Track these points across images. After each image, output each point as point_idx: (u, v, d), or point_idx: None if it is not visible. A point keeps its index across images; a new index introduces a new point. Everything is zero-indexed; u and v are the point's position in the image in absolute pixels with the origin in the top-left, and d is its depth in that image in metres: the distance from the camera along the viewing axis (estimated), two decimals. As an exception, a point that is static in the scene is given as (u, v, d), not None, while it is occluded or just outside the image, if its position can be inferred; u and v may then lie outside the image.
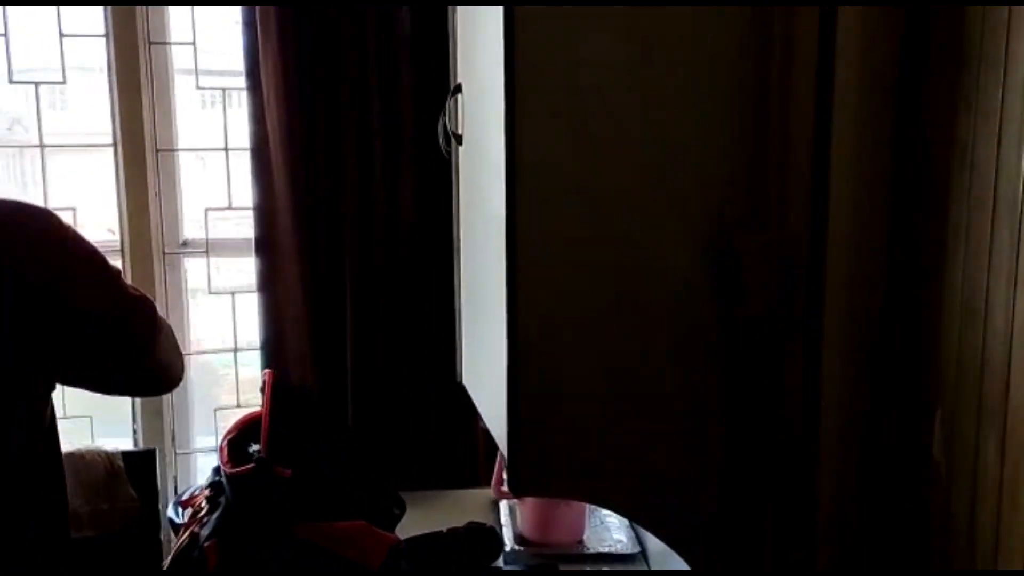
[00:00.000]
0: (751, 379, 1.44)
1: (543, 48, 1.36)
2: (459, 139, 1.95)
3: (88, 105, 2.56)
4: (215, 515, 1.70)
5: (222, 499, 1.72)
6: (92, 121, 2.51)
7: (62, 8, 2.37)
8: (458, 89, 1.94)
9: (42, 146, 2.42)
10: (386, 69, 2.36)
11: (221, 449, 1.78)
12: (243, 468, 1.69)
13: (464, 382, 2.04)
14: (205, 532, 1.68)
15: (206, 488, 1.78)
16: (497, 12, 1.37)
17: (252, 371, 2.61)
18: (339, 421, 2.24)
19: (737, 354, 1.43)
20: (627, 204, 1.40)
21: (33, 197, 2.47)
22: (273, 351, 2.46)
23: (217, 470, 1.81)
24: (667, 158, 1.40)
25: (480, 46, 1.67)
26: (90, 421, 2.53)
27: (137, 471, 2.27)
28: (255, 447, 1.77)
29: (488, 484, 2.49)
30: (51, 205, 2.42)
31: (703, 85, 1.39)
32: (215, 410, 2.63)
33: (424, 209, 2.39)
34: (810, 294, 1.36)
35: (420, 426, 2.47)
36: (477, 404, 1.90)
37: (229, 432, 1.83)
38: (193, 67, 2.51)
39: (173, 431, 2.59)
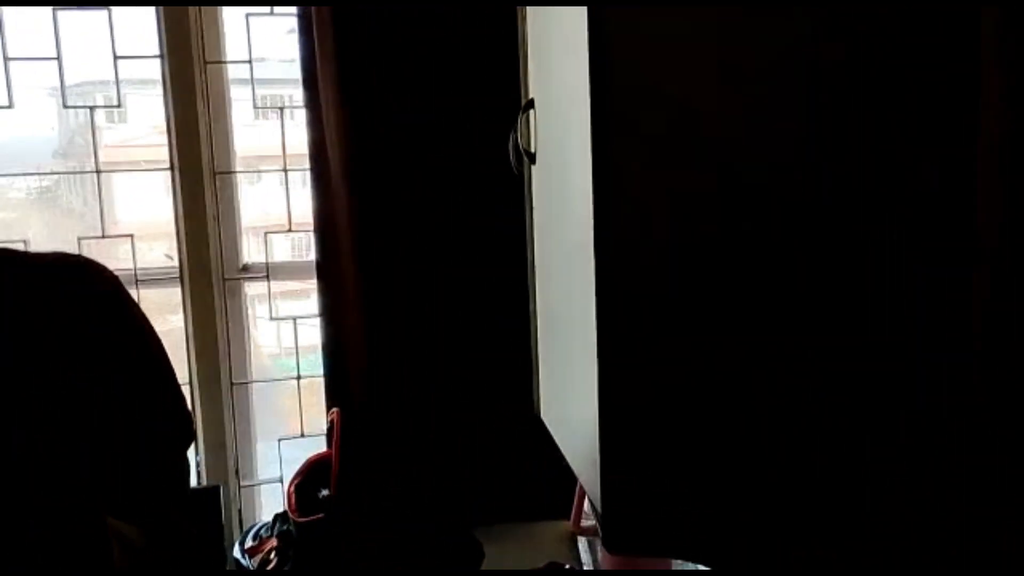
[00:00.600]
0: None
1: (632, 56, 1.22)
2: (532, 158, 1.82)
3: (145, 121, 2.48)
4: (285, 568, 1.59)
5: (291, 551, 1.61)
6: (148, 136, 2.43)
7: (116, 30, 2.29)
8: (530, 104, 1.81)
9: (97, 172, 2.34)
10: (451, 78, 2.24)
11: (288, 495, 1.68)
12: (312, 517, 1.59)
13: (543, 416, 1.91)
14: (275, 588, 1.58)
15: (274, 537, 1.68)
16: (579, 14, 1.23)
17: (316, 396, 2.51)
18: (411, 460, 2.13)
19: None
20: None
21: (90, 223, 2.40)
22: (337, 380, 2.36)
23: (284, 516, 1.71)
24: (776, 178, 1.25)
25: (558, 55, 1.53)
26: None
27: (202, 507, 2.17)
28: (324, 492, 1.67)
29: (566, 515, 2.36)
30: (109, 232, 2.36)
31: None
32: (279, 440, 2.54)
33: (494, 229, 2.26)
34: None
35: (494, 457, 2.34)
36: (559, 442, 1.77)
37: (296, 476, 1.73)
38: (250, 83, 2.42)
39: (237, 463, 2.50)
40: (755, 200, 1.21)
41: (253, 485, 2.55)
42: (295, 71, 2.28)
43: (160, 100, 2.34)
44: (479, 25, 2.22)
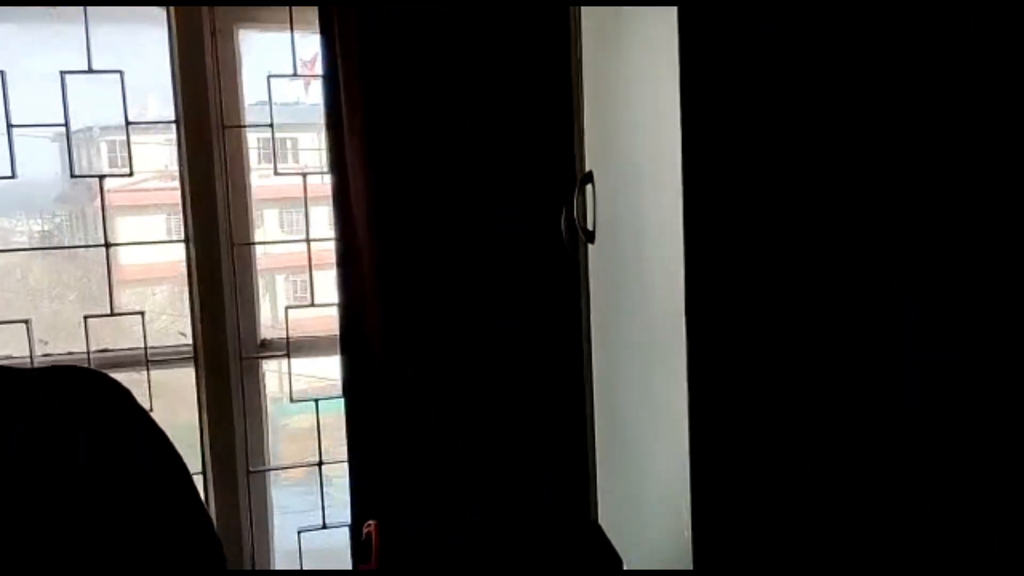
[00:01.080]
0: None
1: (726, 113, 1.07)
2: (590, 236, 1.65)
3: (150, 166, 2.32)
4: None
5: None
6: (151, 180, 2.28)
7: (129, 95, 2.14)
8: (588, 178, 1.65)
9: (107, 245, 2.17)
10: (489, 143, 2.08)
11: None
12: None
13: (601, 522, 1.72)
14: None
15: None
16: (664, 86, 1.07)
17: (340, 488, 2.32)
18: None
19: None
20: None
21: (98, 302, 2.23)
22: (364, 472, 2.17)
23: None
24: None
25: (639, 124, 1.37)
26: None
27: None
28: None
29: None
30: (118, 309, 2.18)
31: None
32: (299, 532, 2.34)
33: (539, 312, 2.09)
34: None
35: (545, 566, 2.14)
36: (623, 553, 1.58)
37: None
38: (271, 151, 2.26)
39: (252, 556, 2.30)
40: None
41: (269, 581, 2.35)
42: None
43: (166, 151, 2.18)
44: (518, 83, 2.07)
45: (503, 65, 2.05)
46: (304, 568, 2.31)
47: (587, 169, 1.66)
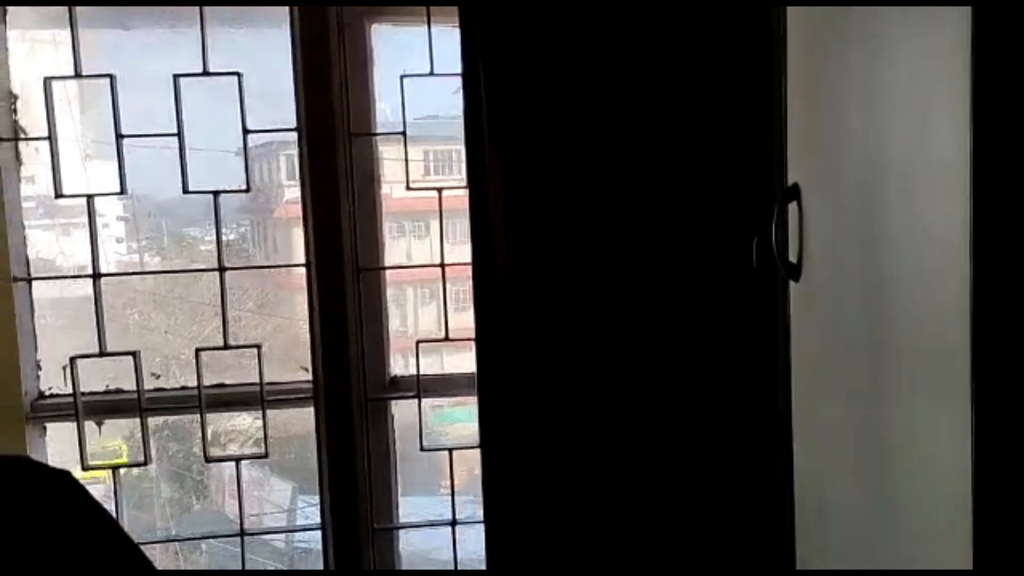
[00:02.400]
0: None
1: None
2: (793, 272, 1.25)
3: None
4: None
5: None
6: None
7: (247, 102, 1.90)
8: (792, 194, 1.25)
9: (221, 269, 1.93)
10: (658, 157, 1.72)
11: None
12: None
13: None
14: None
15: None
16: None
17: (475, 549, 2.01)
18: None
19: None
20: None
21: (208, 335, 2.01)
22: (502, 533, 1.84)
23: None
24: None
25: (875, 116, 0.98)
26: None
27: None
28: None
29: None
30: (232, 341, 1.94)
31: None
32: (429, 594, 2.04)
33: (719, 362, 1.70)
34: None
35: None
36: None
37: None
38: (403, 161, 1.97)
39: (377, 626, 2.01)
40: None
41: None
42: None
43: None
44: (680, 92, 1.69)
45: (674, 67, 1.68)
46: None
47: (791, 182, 1.27)
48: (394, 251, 2.06)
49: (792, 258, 1.26)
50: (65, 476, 0.89)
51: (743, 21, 1.53)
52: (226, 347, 1.94)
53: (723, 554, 1.71)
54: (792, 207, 1.26)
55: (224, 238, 1.96)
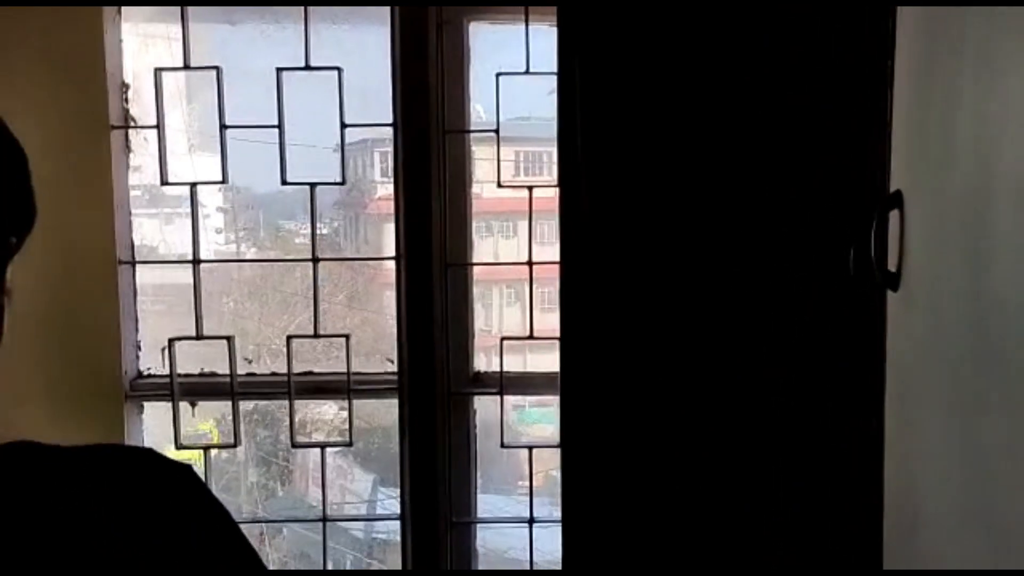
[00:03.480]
0: None
1: None
2: (892, 281, 1.22)
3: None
4: None
5: None
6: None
7: (345, 98, 1.94)
8: (894, 201, 1.22)
9: (315, 260, 1.98)
10: (754, 157, 1.69)
11: None
12: None
13: None
14: None
15: None
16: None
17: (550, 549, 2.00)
18: None
19: None
20: None
21: (299, 325, 2.05)
22: (579, 533, 1.83)
23: None
24: None
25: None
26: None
27: None
28: None
29: None
30: (321, 330, 1.98)
31: None
32: (504, 595, 2.05)
33: (810, 373, 1.66)
34: None
35: None
36: None
37: None
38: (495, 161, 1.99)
39: (451, 620, 2.02)
40: None
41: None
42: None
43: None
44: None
45: (778, 66, 1.64)
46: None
47: (893, 188, 1.23)
48: (482, 250, 2.07)
49: (891, 267, 1.23)
50: (187, 470, 0.91)
51: (854, 20, 1.49)
52: (316, 335, 1.98)
53: (807, 565, 1.67)
54: (893, 215, 1.23)
55: (318, 231, 2.01)
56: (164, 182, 1.93)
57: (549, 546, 2.03)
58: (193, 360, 2.03)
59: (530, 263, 1.98)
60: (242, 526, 0.98)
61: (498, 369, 2.02)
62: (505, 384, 2.01)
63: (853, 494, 1.50)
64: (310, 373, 2.05)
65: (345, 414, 2.03)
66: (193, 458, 1.99)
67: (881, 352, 1.30)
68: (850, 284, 1.34)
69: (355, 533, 2.42)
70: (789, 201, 1.58)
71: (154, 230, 2.17)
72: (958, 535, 1.04)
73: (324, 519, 2.02)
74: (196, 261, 1.95)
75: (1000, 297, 0.95)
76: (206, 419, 2.17)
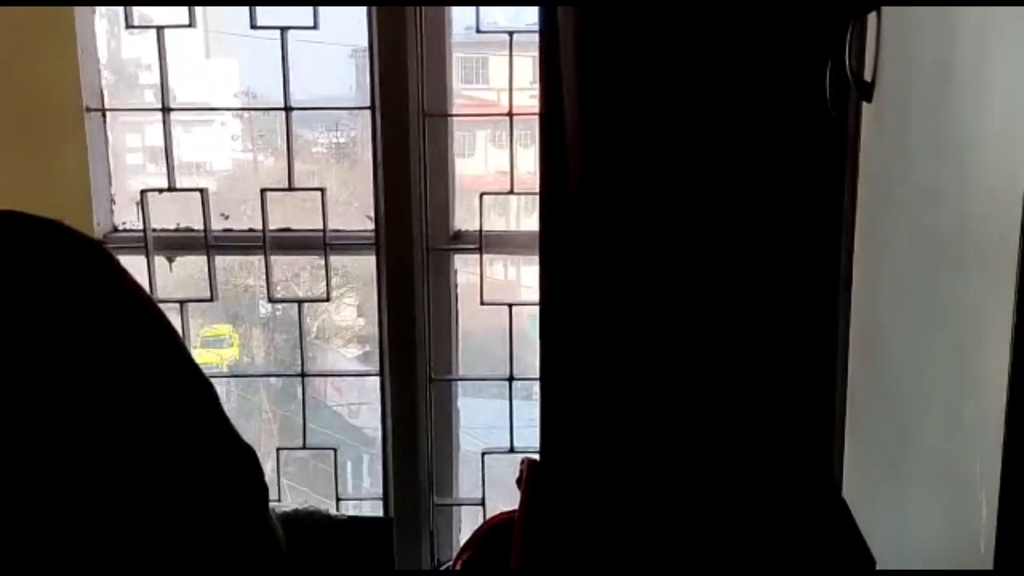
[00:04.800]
0: None
1: None
2: (866, 91, 1.14)
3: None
4: None
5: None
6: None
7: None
8: (871, 5, 1.13)
9: (287, 108, 1.92)
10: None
11: (452, 578, 1.15)
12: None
13: (847, 498, 1.25)
14: None
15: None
16: None
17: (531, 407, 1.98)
18: (634, 538, 1.51)
19: None
20: None
21: (275, 175, 2.01)
22: (555, 389, 1.80)
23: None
24: None
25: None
26: (334, 456, 2.05)
27: (372, 538, 1.71)
28: (503, 581, 1.12)
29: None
30: (298, 183, 1.94)
31: None
32: (483, 453, 2.04)
33: (777, 215, 1.59)
34: None
35: (757, 537, 1.69)
36: (869, 538, 1.11)
37: (467, 547, 1.20)
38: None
39: (432, 477, 2.02)
40: None
41: (450, 505, 2.07)
42: None
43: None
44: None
45: None
46: (486, 496, 2.00)
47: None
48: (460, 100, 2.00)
49: (867, 77, 1.15)
50: (98, 246, 0.87)
51: None
52: (291, 188, 1.94)
53: (766, 425, 1.63)
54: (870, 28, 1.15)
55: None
56: (129, 25, 1.87)
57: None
58: (169, 217, 2.01)
59: (511, 113, 1.91)
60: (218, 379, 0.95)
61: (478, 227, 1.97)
62: (485, 242, 1.97)
63: (814, 337, 1.44)
64: (288, 229, 2.01)
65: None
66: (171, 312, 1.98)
67: (852, 173, 1.23)
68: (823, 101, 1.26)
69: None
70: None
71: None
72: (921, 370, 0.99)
73: (303, 374, 2.02)
74: (165, 109, 1.90)
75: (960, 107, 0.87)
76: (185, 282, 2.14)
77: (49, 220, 0.84)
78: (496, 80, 1.97)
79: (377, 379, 1.99)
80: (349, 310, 2.56)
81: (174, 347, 0.84)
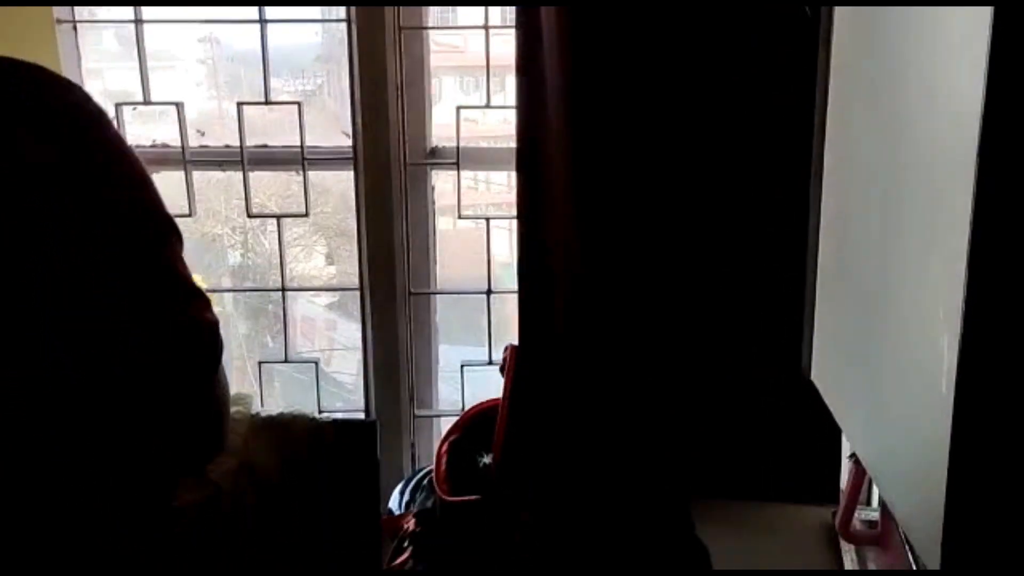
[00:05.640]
0: None
1: None
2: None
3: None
4: (420, 568, 1.11)
5: (431, 542, 1.13)
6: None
7: None
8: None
9: (262, 21, 1.91)
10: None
11: (438, 458, 1.19)
12: (465, 498, 1.09)
13: (815, 379, 1.30)
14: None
15: (412, 517, 1.20)
16: None
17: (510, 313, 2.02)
18: (612, 421, 1.56)
19: None
20: None
21: (253, 89, 2.00)
22: (533, 302, 1.83)
23: (425, 485, 1.23)
24: None
25: None
26: (315, 368, 2.08)
27: (356, 443, 1.75)
28: (487, 459, 1.17)
29: (822, 499, 1.76)
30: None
31: None
32: (462, 365, 2.08)
33: (749, 120, 1.63)
34: None
35: (729, 416, 1.76)
36: (842, 421, 1.17)
37: (451, 431, 1.24)
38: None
39: (412, 388, 2.06)
40: None
41: (430, 416, 2.12)
42: None
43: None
44: None
45: None
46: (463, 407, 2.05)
47: None
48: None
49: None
50: (74, 85, 0.88)
51: None
52: (267, 103, 1.94)
53: (737, 309, 1.68)
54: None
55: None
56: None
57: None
58: (145, 134, 2.00)
59: (486, 27, 1.92)
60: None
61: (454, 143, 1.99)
62: (462, 157, 1.98)
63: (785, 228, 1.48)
64: (264, 146, 2.02)
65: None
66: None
67: (824, 70, 1.26)
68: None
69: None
70: None
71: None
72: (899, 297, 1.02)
73: (283, 288, 2.04)
74: (138, 21, 1.88)
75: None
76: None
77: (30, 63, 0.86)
78: None
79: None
80: (319, 258, 2.57)
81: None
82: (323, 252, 2.54)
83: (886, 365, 0.97)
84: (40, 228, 0.77)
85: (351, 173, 1.96)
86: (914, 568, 0.93)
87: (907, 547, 1.32)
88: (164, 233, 0.87)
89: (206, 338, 0.86)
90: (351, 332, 2.40)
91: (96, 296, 0.80)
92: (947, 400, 0.77)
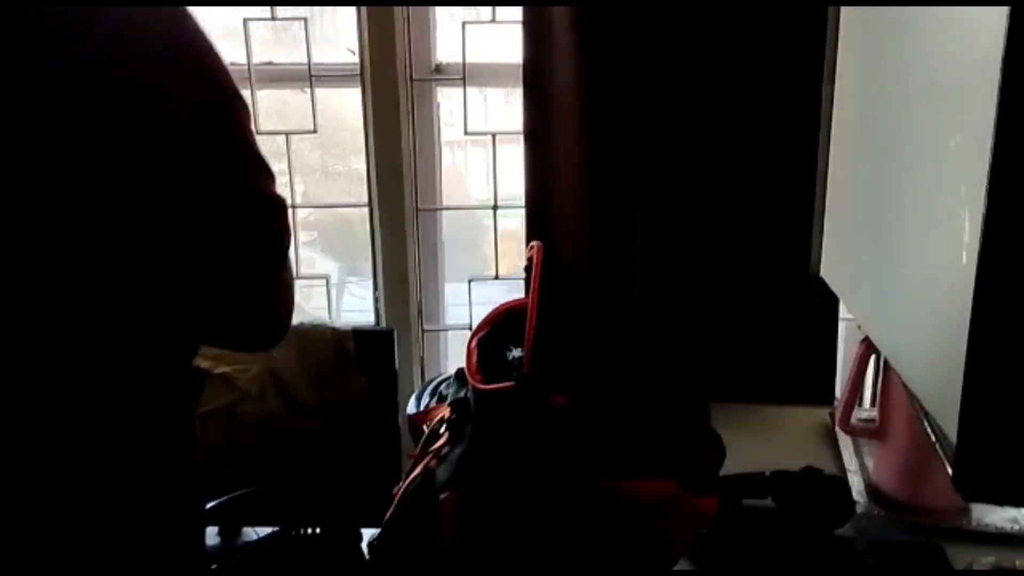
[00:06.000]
0: None
1: None
2: None
3: None
4: (457, 451, 1.17)
5: (468, 427, 1.19)
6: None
7: None
8: None
9: (267, -63, 1.91)
10: None
11: (469, 352, 1.24)
12: (498, 386, 1.14)
13: (824, 275, 1.36)
14: (442, 476, 1.16)
15: (447, 405, 1.25)
16: None
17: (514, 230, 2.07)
18: (632, 317, 1.62)
19: None
20: None
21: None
22: (540, 214, 1.88)
23: (462, 376, 1.28)
24: None
25: None
26: (326, 284, 2.12)
27: (372, 353, 1.80)
28: (516, 352, 1.22)
29: (823, 400, 1.84)
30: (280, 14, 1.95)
31: None
32: (469, 281, 2.13)
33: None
34: None
35: (737, 318, 1.82)
36: (853, 308, 1.23)
37: (481, 327, 1.29)
38: None
39: (420, 304, 2.11)
40: None
41: (438, 330, 2.17)
42: None
43: None
44: None
45: None
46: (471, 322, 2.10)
47: None
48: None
49: None
50: None
51: None
52: (273, 19, 1.95)
53: (747, 214, 1.73)
54: None
55: None
56: None
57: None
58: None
59: (491, -59, 1.93)
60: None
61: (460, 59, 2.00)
62: (468, 74, 2.00)
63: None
64: (270, 63, 2.03)
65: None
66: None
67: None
68: None
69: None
70: None
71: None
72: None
73: (293, 206, 2.07)
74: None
75: None
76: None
77: None
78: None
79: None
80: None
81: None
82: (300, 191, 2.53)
83: (901, 247, 1.02)
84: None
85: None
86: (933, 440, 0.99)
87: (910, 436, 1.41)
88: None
89: (282, 216, 0.90)
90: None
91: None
92: (969, 270, 0.82)
